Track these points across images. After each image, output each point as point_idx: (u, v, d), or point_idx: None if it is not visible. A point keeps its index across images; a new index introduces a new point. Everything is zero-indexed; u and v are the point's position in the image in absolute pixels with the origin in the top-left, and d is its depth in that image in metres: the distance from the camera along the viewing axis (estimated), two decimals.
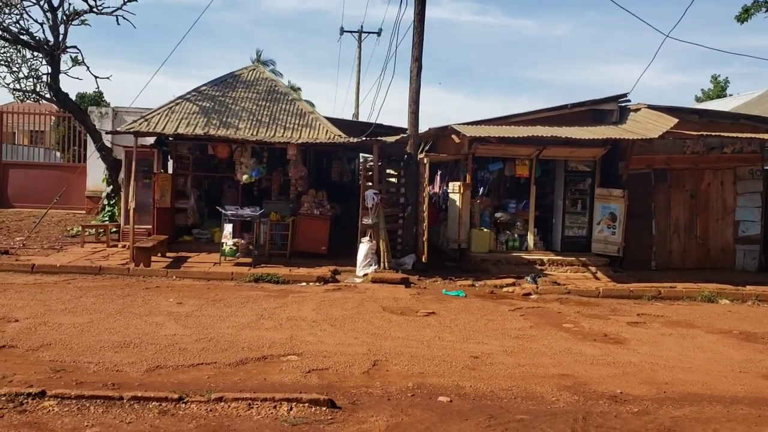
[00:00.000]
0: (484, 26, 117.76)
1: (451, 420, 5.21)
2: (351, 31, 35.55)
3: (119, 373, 6.01)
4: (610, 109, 14.03)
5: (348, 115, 35.27)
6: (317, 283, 11.20)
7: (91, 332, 7.32)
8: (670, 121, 12.33)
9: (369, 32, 35.73)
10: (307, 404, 5.32)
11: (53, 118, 23.21)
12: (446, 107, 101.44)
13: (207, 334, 7.51)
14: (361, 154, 20.83)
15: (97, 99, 29.34)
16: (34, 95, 15.44)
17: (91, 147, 18.12)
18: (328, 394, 5.58)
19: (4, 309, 8.19)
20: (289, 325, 8.17)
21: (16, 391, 5.22)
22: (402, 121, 13.99)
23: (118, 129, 12.50)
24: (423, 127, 13.55)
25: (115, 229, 14.12)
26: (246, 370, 6.30)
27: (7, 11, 13.63)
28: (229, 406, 5.22)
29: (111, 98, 36.85)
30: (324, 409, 5.29)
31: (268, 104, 14.06)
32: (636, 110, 13.61)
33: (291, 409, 5.24)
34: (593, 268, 13.07)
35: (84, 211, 18.58)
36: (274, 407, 5.25)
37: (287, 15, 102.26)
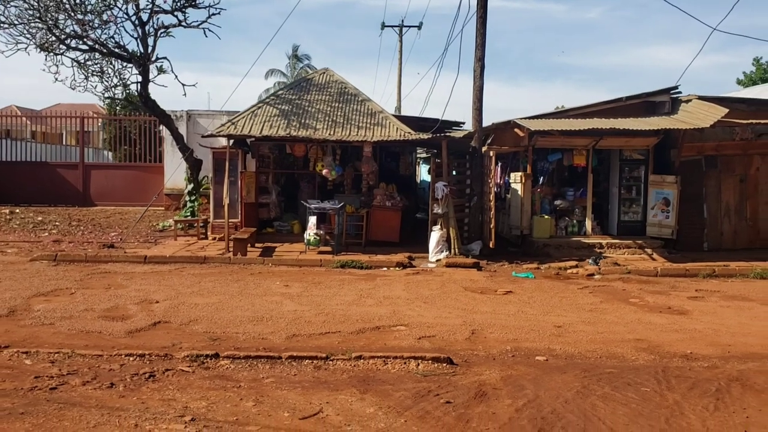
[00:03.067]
0: (514, 11, 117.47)
1: (553, 373, 6.28)
2: (392, 26, 36.35)
3: (265, 341, 7.22)
4: (663, 100, 14.89)
5: (389, 108, 36.16)
6: (397, 268, 12.34)
7: (224, 310, 8.56)
8: (721, 111, 13.16)
9: (410, 26, 36.52)
10: (430, 361, 6.45)
11: (100, 120, 24.78)
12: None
13: (322, 309, 8.70)
14: (417, 148, 21.88)
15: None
16: (123, 102, 16.87)
17: (168, 148, 19.62)
18: (442, 354, 6.69)
19: (142, 293, 9.50)
20: (387, 302, 9.32)
21: (196, 353, 6.46)
22: (448, 112, 14.87)
23: (212, 132, 13.80)
24: (460, 117, 14.59)
25: (202, 224, 15.47)
26: (366, 337, 7.46)
27: (104, 28, 15.01)
28: (368, 363, 6.38)
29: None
30: (445, 365, 6.42)
31: (340, 105, 15.24)
32: (687, 101, 14.43)
33: (418, 364, 6.38)
34: (649, 250, 13.98)
35: (163, 208, 20.01)
36: (404, 363, 6.40)
37: (316, 7, 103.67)
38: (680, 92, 14.89)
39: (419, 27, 36.29)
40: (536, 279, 11.72)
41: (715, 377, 6.22)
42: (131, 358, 6.31)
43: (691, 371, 6.42)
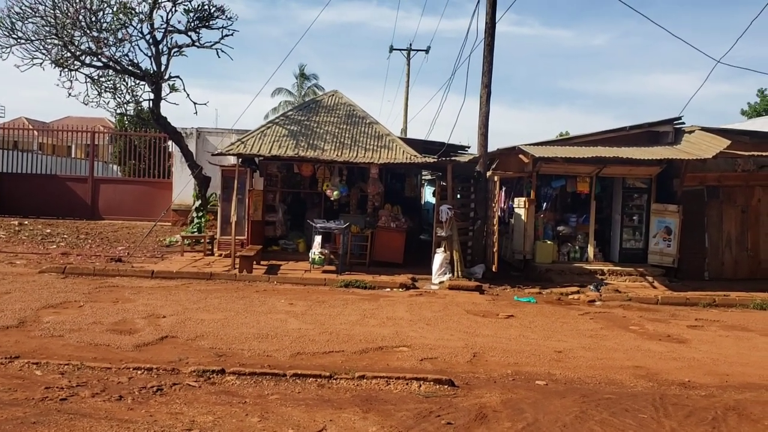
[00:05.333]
0: (522, 37, 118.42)
1: (552, 397, 6.40)
2: (400, 49, 36.75)
3: (269, 358, 7.35)
4: (666, 130, 15.12)
5: (395, 129, 36.40)
6: (400, 289, 12.47)
7: (230, 326, 8.70)
8: (723, 143, 13.36)
9: (417, 50, 36.89)
10: (432, 383, 6.57)
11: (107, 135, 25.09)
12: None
13: (326, 328, 8.83)
14: (422, 171, 22.10)
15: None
16: (134, 118, 17.15)
17: (177, 164, 19.86)
18: (444, 376, 6.81)
19: (150, 308, 9.65)
20: (390, 323, 9.45)
21: (203, 368, 6.59)
22: (454, 134, 15.15)
23: (222, 150, 14.02)
24: (465, 138, 14.85)
25: (209, 240, 15.65)
26: (369, 357, 7.59)
27: (119, 45, 15.31)
28: (371, 382, 6.50)
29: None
30: (446, 387, 6.53)
31: (348, 127, 15.48)
32: (690, 132, 14.64)
33: (420, 386, 6.50)
34: (650, 278, 14.11)
35: (170, 223, 20.20)
36: (407, 384, 6.52)
37: (324, 27, 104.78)
38: (683, 123, 15.12)
39: (427, 51, 36.67)
40: (538, 304, 11.84)
41: (712, 406, 6.32)
42: (139, 372, 6.44)
43: (688, 399, 6.53)
